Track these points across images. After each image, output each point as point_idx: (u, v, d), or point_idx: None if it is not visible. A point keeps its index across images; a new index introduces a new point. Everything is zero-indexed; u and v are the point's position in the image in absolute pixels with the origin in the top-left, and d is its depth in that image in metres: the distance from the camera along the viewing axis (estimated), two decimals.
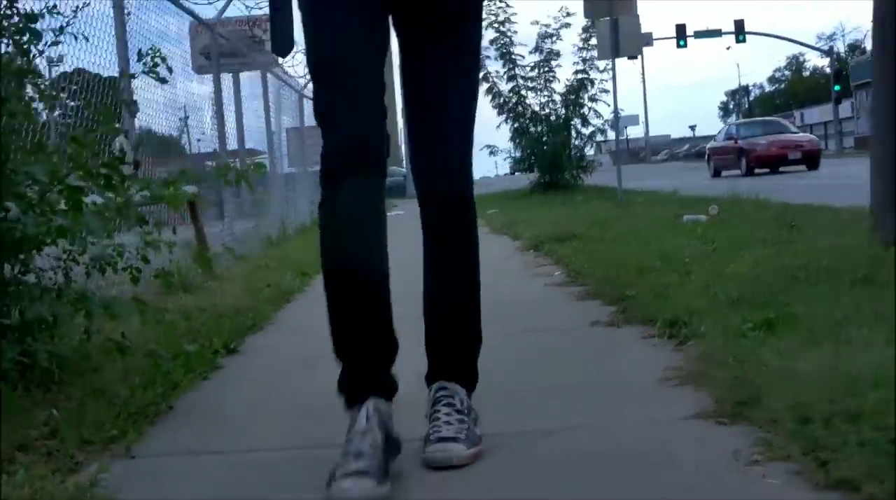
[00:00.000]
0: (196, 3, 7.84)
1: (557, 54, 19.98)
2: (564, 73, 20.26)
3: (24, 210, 3.01)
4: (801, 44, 47.37)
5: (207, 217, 8.24)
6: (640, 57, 64.50)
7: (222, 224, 8.99)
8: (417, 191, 2.32)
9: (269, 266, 7.53)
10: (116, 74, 5.56)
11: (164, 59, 3.90)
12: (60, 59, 4.83)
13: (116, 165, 3.09)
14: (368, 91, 2.11)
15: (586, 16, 16.00)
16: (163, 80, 4.11)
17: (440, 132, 2.25)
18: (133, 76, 4.42)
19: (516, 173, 25.49)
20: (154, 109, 6.92)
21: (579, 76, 19.75)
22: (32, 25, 3.25)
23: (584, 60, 19.70)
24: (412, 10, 2.20)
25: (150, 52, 3.87)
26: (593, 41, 18.28)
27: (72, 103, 5.08)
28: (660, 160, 72.55)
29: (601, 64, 19.03)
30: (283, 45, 2.14)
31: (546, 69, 19.85)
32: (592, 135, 19.77)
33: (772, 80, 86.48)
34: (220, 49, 9.47)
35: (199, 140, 9.26)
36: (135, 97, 5.47)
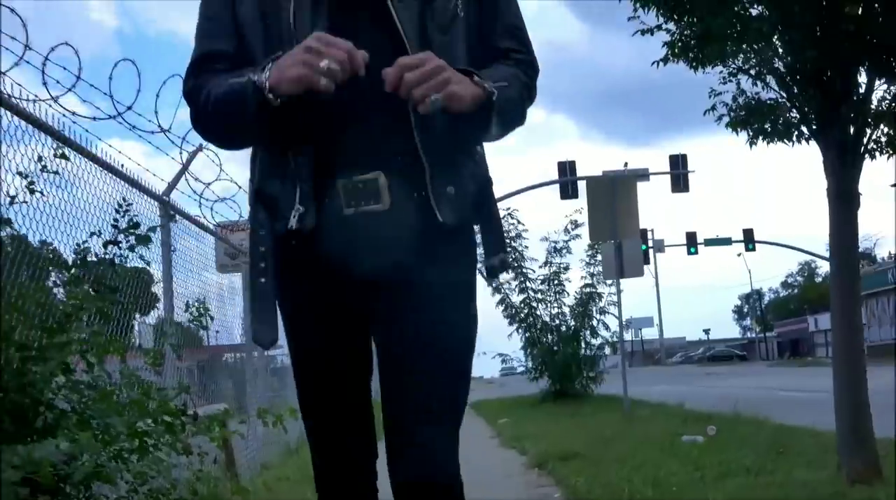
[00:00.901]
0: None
1: (566, 268, 20.97)
2: (574, 283, 21.13)
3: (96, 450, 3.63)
4: (810, 253, 48.73)
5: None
6: (653, 261, 66.26)
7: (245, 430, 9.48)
8: (392, 482, 1.95)
9: (290, 478, 8.03)
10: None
11: (207, 310, 4.64)
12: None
13: (178, 414, 3.76)
14: (355, 417, 2.03)
15: (591, 240, 17.03)
16: (205, 328, 4.84)
17: (421, 409, 1.91)
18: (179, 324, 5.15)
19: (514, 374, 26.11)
20: (179, 300, 7.26)
21: (587, 290, 20.64)
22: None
23: (592, 275, 20.64)
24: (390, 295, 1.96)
25: (196, 305, 4.63)
26: (599, 256, 19.26)
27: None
28: (675, 363, 72.80)
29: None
30: (265, 337, 1.94)
31: (556, 282, 20.79)
32: (601, 347, 20.45)
33: (785, 285, 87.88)
34: (244, 249, 10.28)
35: (217, 332, 9.85)
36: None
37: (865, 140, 8.48)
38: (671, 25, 8.72)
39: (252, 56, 1.93)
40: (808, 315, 70.00)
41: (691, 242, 51.15)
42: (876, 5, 7.82)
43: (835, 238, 8.75)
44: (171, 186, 7.12)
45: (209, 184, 8.04)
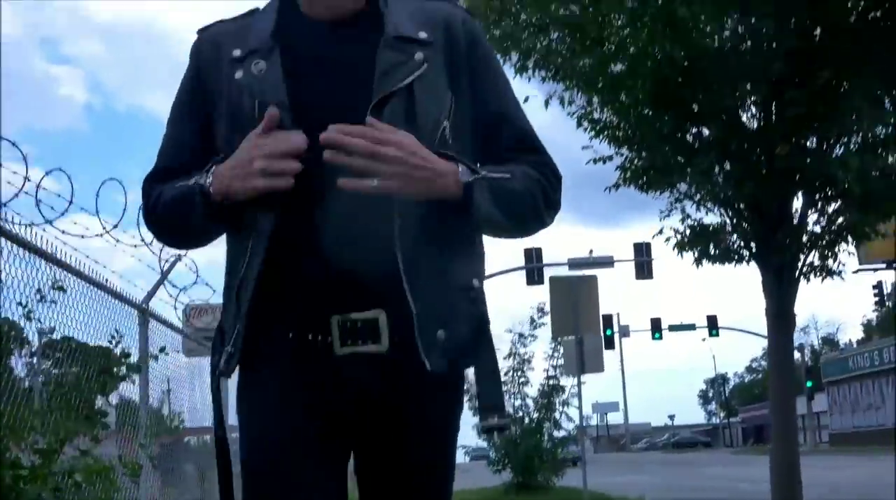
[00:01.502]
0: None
1: (529, 360, 21.55)
2: (537, 373, 21.67)
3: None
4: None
5: None
6: (618, 346, 67.05)
7: None
8: None
9: None
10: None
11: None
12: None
13: None
14: None
15: (554, 336, 17.72)
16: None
17: None
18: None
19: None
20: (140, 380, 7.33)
21: (550, 381, 21.21)
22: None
23: (554, 367, 21.25)
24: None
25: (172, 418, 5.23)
26: (562, 349, 19.91)
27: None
28: (640, 449, 73.04)
29: None
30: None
31: (519, 373, 21.35)
32: (564, 441, 20.94)
33: (749, 369, 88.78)
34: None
35: (179, 413, 10.22)
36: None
37: (800, 265, 9.31)
38: (623, 152, 9.59)
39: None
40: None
41: (656, 327, 51.95)
42: (804, 143, 8.70)
43: (773, 354, 9.52)
44: (150, 294, 7.73)
45: (185, 289, 8.67)
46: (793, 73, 7.99)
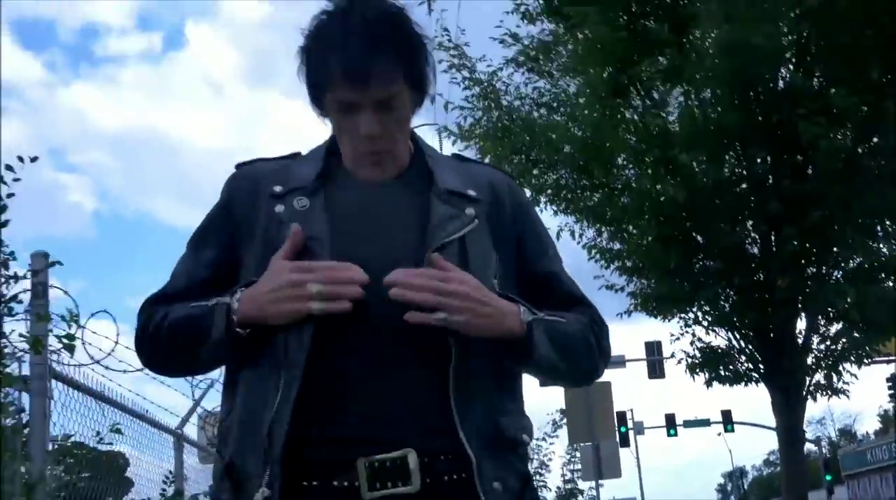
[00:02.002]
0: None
1: (547, 464, 21.85)
2: (554, 474, 21.91)
3: None
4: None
5: None
6: (633, 443, 66.58)
7: None
8: None
9: None
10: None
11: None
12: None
13: None
14: None
15: (570, 442, 18.10)
16: None
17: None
18: None
19: None
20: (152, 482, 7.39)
21: (568, 485, 21.48)
22: None
23: (572, 472, 21.55)
24: None
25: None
26: (578, 453, 20.25)
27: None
28: None
29: None
30: None
31: (538, 476, 21.61)
32: None
33: (767, 462, 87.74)
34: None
35: None
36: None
37: (807, 385, 9.88)
38: (633, 283, 10.26)
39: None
40: None
41: (670, 423, 51.78)
42: (803, 274, 9.35)
43: (785, 469, 10.00)
44: (184, 420, 8.34)
45: (213, 411, 9.25)
46: (788, 212, 8.67)
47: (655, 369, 35.76)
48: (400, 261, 1.60)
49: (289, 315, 1.58)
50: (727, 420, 51.44)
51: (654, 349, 36.28)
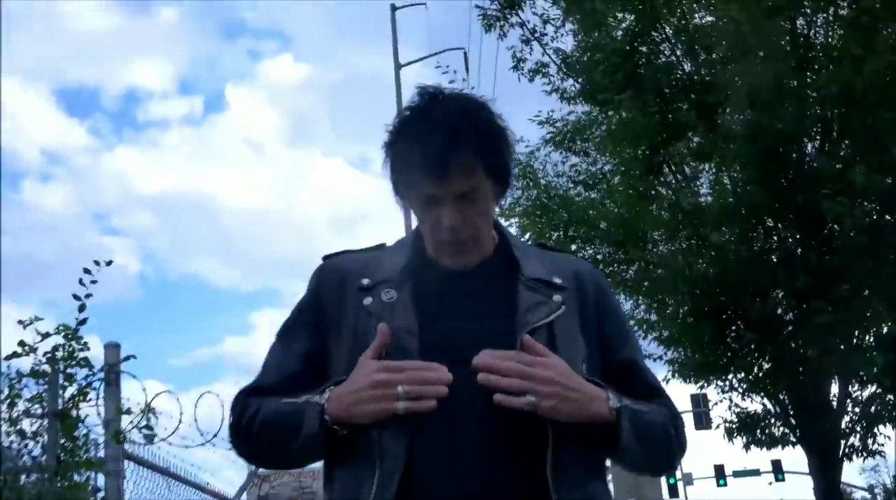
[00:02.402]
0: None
1: None
2: None
3: None
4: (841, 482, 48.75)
5: None
6: (682, 493, 65.94)
7: None
8: None
9: None
10: None
11: None
12: None
13: None
14: None
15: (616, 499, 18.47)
16: None
17: None
18: None
19: None
20: None
21: None
22: None
23: None
24: None
25: None
26: None
27: None
28: None
29: None
30: None
31: None
32: None
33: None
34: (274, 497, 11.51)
35: None
36: None
37: (842, 448, 10.29)
38: (670, 352, 10.79)
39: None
40: None
41: (720, 474, 51.35)
42: (836, 347, 9.81)
43: None
44: (242, 489, 8.92)
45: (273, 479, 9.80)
46: (816, 285, 9.17)
47: (702, 420, 35.79)
48: (489, 348, 1.61)
49: (374, 416, 1.59)
50: (777, 470, 50.95)
51: (699, 401, 36.42)
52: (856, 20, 9.20)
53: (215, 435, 7.65)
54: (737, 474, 53.21)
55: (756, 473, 53.32)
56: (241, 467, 9.14)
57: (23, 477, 4.67)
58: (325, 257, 1.93)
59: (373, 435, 1.62)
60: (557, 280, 1.79)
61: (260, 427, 1.75)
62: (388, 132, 1.80)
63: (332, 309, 1.81)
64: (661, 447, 1.77)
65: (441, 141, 1.69)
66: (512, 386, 1.56)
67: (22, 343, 4.71)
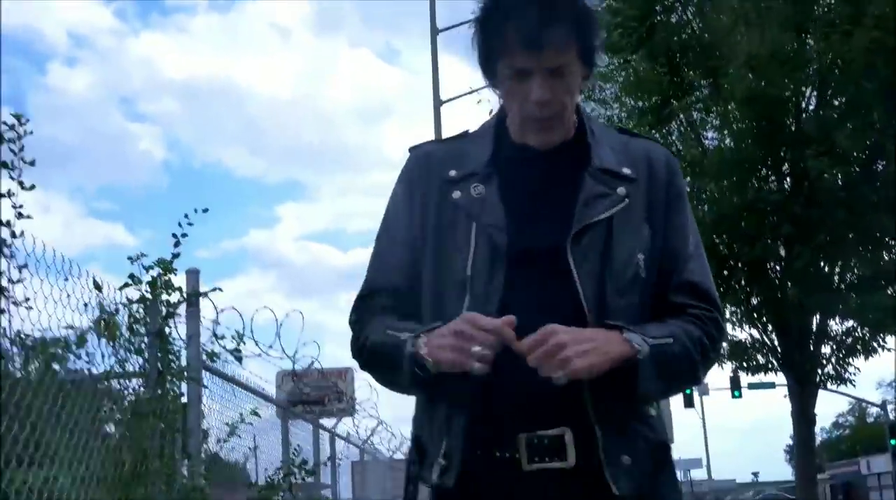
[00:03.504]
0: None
1: None
2: None
3: None
4: (854, 398, 50.51)
5: None
6: (698, 402, 67.45)
7: None
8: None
9: None
10: None
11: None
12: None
13: None
14: None
15: None
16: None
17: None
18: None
19: None
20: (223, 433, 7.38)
21: None
22: None
23: None
24: None
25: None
26: None
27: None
28: None
29: None
30: None
31: None
32: None
33: (836, 425, 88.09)
34: (303, 397, 11.04)
35: (266, 470, 10.87)
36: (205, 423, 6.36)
37: (819, 375, 11.83)
38: None
39: (419, 294, 1.87)
40: (860, 457, 70.23)
41: (735, 385, 52.97)
42: (815, 287, 11.25)
43: (798, 447, 12.01)
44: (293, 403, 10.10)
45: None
46: (799, 233, 10.53)
47: None
48: (556, 243, 1.71)
49: (451, 365, 1.67)
50: (868, 353, 52.18)
51: None
52: None
53: (271, 346, 7.96)
54: (752, 386, 54.93)
55: (771, 385, 54.95)
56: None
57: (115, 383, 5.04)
58: (412, 149, 2.01)
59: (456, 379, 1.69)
60: (626, 170, 1.83)
61: (369, 356, 1.87)
62: (480, 6, 1.84)
63: (423, 201, 1.87)
64: (683, 378, 1.82)
65: (537, 14, 1.74)
66: (545, 372, 1.61)
67: (132, 276, 5.80)
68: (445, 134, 17.73)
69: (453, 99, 19.06)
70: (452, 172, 1.87)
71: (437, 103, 19.28)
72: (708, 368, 1.85)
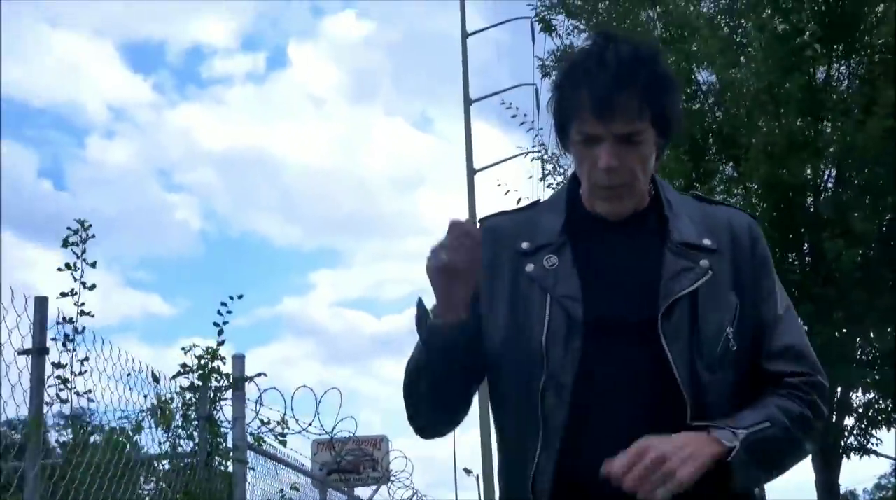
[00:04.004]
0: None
1: None
2: None
3: None
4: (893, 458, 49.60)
5: None
6: None
7: None
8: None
9: None
10: None
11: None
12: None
13: None
14: None
15: None
16: None
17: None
18: None
19: None
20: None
21: None
22: None
23: None
24: None
25: None
26: None
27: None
28: None
29: None
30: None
31: None
32: None
33: (878, 486, 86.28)
34: (338, 466, 10.84)
35: None
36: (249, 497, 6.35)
37: (843, 445, 12.20)
38: None
39: (492, 369, 1.85)
40: None
41: None
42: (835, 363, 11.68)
43: None
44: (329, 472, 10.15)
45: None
46: (818, 312, 10.99)
47: None
48: (639, 318, 1.71)
49: (432, 283, 1.72)
50: (891, 426, 51.71)
51: None
52: (861, 83, 11.02)
53: (310, 424, 7.59)
54: None
55: None
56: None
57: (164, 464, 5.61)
58: (482, 220, 1.96)
59: (534, 402, 1.71)
60: (707, 242, 1.79)
61: (407, 373, 1.85)
62: (558, 72, 1.83)
63: (488, 272, 1.81)
64: (787, 458, 1.76)
65: (609, 79, 1.71)
66: (646, 490, 1.55)
67: (184, 365, 6.37)
68: (479, 201, 18.53)
69: (486, 168, 19.75)
70: (525, 244, 1.84)
71: (471, 172, 19.98)
72: (815, 438, 1.82)
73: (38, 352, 3.92)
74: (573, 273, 1.78)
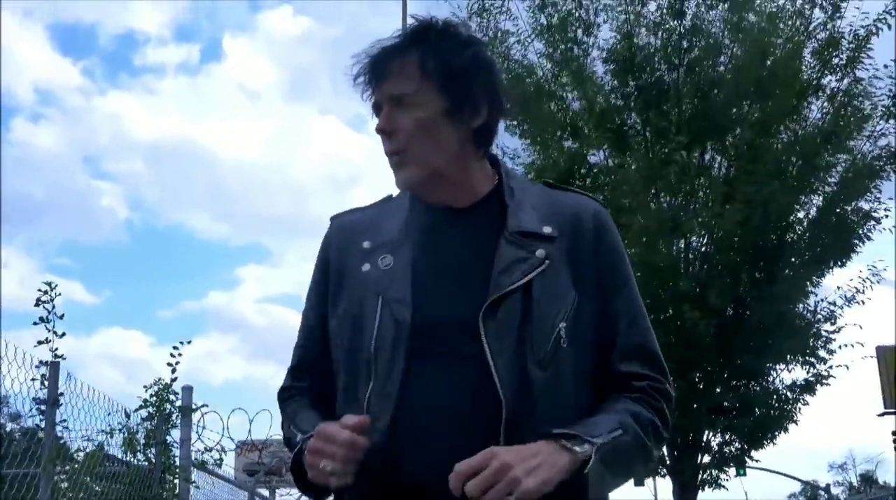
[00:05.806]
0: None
1: None
2: None
3: None
4: (802, 481, 52.50)
5: None
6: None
7: None
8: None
9: None
10: None
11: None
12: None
13: None
14: None
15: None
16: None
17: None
18: None
19: None
20: None
21: None
22: None
23: None
24: None
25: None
26: None
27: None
28: None
29: None
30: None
31: None
32: None
33: None
34: (262, 467, 11.62)
35: None
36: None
37: (699, 479, 14.58)
38: None
39: (337, 369, 1.79)
40: None
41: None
42: (694, 412, 14.03)
43: None
44: (256, 481, 11.41)
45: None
46: (679, 370, 13.15)
47: None
48: (470, 314, 1.64)
49: (315, 479, 1.63)
50: (740, 465, 54.73)
51: None
52: (724, 180, 13.41)
53: (243, 442, 9.33)
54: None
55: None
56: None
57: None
58: (333, 218, 1.91)
59: (361, 413, 1.65)
60: (548, 229, 1.72)
61: (287, 445, 1.81)
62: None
63: (337, 273, 1.81)
64: (636, 465, 1.74)
65: (389, 48, 1.70)
66: (489, 499, 1.48)
67: (145, 401, 6.66)
68: None
69: None
70: (366, 243, 1.78)
71: None
72: (661, 446, 1.82)
73: (53, 403, 5.10)
74: (406, 274, 1.72)
